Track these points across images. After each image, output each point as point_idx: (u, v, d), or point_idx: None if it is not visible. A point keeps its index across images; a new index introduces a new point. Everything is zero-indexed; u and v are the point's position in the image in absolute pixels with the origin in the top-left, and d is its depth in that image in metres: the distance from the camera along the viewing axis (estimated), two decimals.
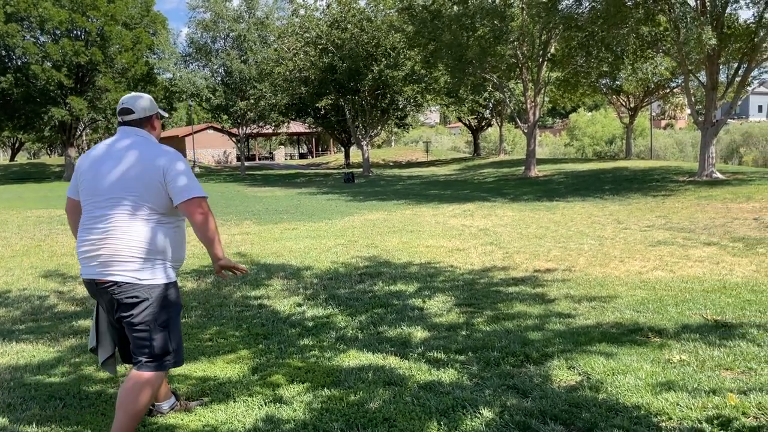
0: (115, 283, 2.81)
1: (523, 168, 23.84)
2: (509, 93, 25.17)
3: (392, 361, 4.02)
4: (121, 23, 31.72)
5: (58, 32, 30.52)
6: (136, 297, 2.82)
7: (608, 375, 3.64)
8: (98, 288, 2.87)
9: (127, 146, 2.94)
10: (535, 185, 19.18)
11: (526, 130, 23.61)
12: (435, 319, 5.03)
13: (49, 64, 30.48)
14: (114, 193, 2.84)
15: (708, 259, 7.12)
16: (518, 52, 22.11)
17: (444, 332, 4.65)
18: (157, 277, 2.86)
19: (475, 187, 20.20)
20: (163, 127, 49.64)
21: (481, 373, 3.76)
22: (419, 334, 4.62)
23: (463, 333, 4.61)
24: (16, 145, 59.00)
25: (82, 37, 31.14)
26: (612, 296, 5.58)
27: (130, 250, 2.82)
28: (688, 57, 17.11)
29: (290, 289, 6.22)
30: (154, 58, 35.19)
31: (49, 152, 67.90)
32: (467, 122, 41.83)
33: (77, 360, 4.22)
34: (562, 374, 3.71)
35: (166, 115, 3.27)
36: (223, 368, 3.96)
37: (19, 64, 31.14)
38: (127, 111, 2.99)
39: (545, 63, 22.39)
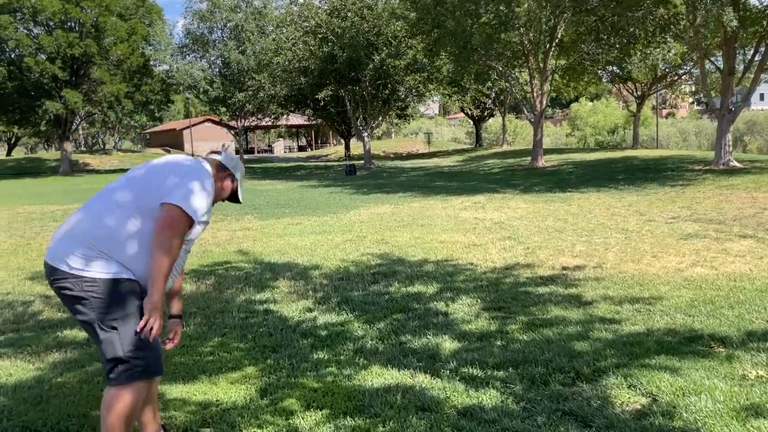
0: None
1: (530, 158, 23.26)
2: (515, 81, 24.55)
3: (422, 379, 3.48)
4: (116, 14, 31.01)
5: (51, 24, 29.83)
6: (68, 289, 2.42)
7: (678, 396, 3.10)
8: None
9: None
10: (544, 176, 18.62)
11: (532, 120, 23.01)
12: (463, 326, 4.48)
13: (43, 56, 29.78)
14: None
15: (749, 254, 6.58)
16: (524, 39, 21.48)
17: (476, 342, 4.11)
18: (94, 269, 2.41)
19: (482, 178, 19.63)
20: (160, 120, 49.22)
21: (528, 394, 3.23)
22: (448, 344, 4.08)
23: (498, 343, 4.07)
24: (13, 140, 58.26)
25: (77, 28, 30.44)
26: (656, 297, 5.03)
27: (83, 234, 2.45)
28: (706, 38, 16.48)
29: (298, 292, 5.68)
30: (150, 50, 34.51)
31: (46, 147, 67.16)
32: (469, 112, 41.19)
33: (60, 380, 3.68)
34: (624, 395, 3.17)
35: (239, 181, 2.88)
36: (227, 390, 3.41)
37: (12, 56, 30.45)
38: (218, 152, 2.86)
39: (552, 50, 21.75)
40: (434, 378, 3.49)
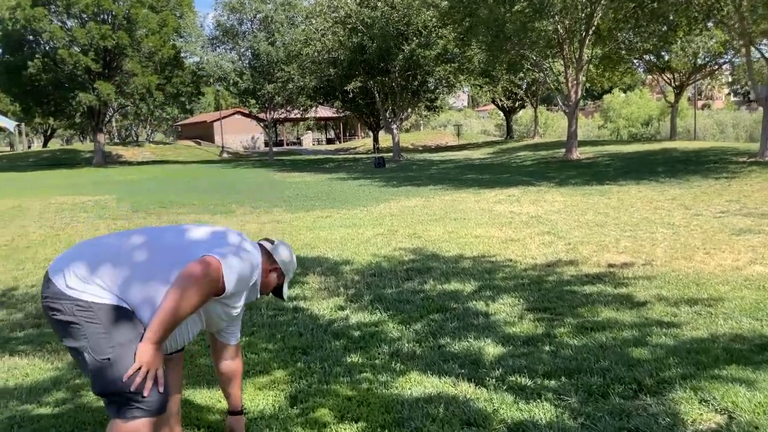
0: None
1: (564, 150, 22.67)
2: (549, 70, 23.91)
3: (465, 389, 3.17)
4: (148, 6, 31.11)
5: (84, 16, 30.07)
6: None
7: (759, 414, 2.75)
8: None
9: None
10: (579, 168, 18.06)
11: (566, 110, 22.40)
12: (506, 328, 4.16)
13: (76, 48, 30.05)
14: None
15: None
16: (559, 27, 20.86)
17: (522, 347, 3.79)
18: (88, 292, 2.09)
19: (515, 170, 19.15)
20: (191, 112, 49.52)
21: (585, 408, 2.90)
22: (491, 349, 3.76)
23: (547, 349, 3.74)
24: (49, 131, 59.37)
25: (109, 20, 30.64)
26: (715, 298, 4.64)
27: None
28: (751, 25, 15.72)
29: (329, 288, 5.41)
30: (181, 42, 34.60)
31: (81, 138, 68.27)
32: (500, 104, 40.51)
33: (77, 381, 3.46)
34: (695, 411, 2.82)
35: (288, 277, 2.61)
36: (254, 397, 3.15)
37: (46, 49, 30.80)
38: (271, 242, 2.58)
39: (588, 38, 21.09)
40: (479, 387, 3.18)
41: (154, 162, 35.37)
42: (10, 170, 29.84)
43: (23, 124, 43.76)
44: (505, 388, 3.16)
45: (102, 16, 30.58)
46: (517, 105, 41.22)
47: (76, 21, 30.55)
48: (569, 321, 4.26)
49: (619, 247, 6.79)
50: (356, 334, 4.13)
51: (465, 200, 11.81)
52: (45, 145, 59.09)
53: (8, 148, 55.01)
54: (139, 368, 2.02)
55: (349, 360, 3.65)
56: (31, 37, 30.56)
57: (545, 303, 4.72)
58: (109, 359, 2.03)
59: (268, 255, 2.47)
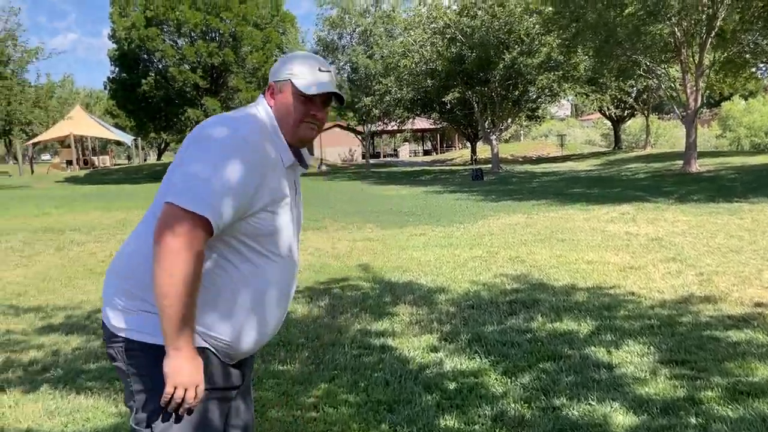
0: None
1: (681, 162, 20.86)
2: (664, 76, 22.18)
3: None
4: (252, 23, 32.17)
5: (193, 35, 31.50)
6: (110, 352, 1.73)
7: None
8: None
9: None
10: (700, 182, 16.43)
11: (684, 119, 20.62)
12: (637, 387, 3.40)
13: (186, 66, 31.53)
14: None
15: None
16: (676, 30, 19.24)
17: (660, 417, 3.03)
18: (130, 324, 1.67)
19: (627, 184, 17.75)
20: None
21: None
22: (621, 418, 3.03)
23: (693, 421, 2.96)
24: (162, 145, 63.08)
25: (216, 38, 31.95)
26: None
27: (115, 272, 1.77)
28: None
29: (421, 323, 4.83)
30: None
31: None
32: (607, 112, 38.42)
33: None
34: None
35: (299, 83, 1.79)
36: None
37: (159, 67, 32.54)
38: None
39: (710, 40, 19.30)
40: None
41: None
42: (125, 182, 31.64)
43: (139, 138, 46.64)
44: None
45: (210, 35, 31.94)
46: (626, 113, 38.94)
47: (186, 40, 32.06)
48: (717, 381, 3.43)
49: (762, 280, 5.75)
50: (452, 386, 3.52)
51: (573, 218, 10.86)
52: (159, 158, 62.84)
53: (126, 161, 58.84)
54: (173, 392, 1.56)
55: (443, 423, 3.05)
56: (145, 56, 32.40)
57: (682, 353, 3.89)
58: (151, 427, 1.62)
59: (271, 90, 1.80)
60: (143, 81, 31.02)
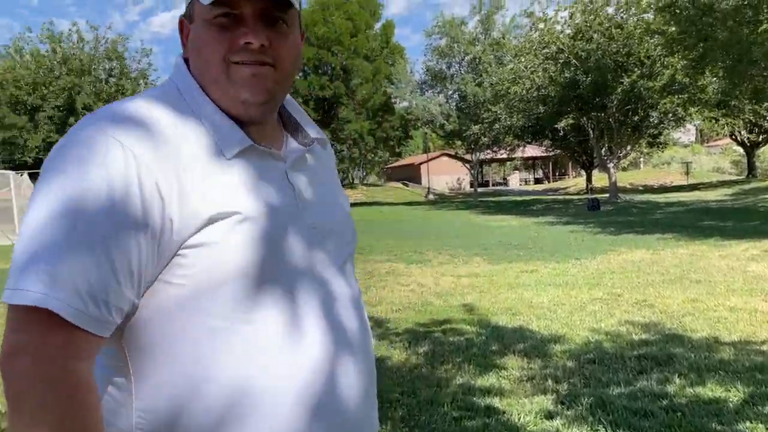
0: None
1: None
2: None
3: None
4: (363, 56, 32.88)
5: (306, 69, 32.64)
6: None
7: None
8: None
9: None
10: None
11: None
12: None
13: (299, 99, 32.70)
14: None
15: None
16: None
17: None
18: None
19: (766, 216, 15.92)
20: (400, 155, 51.12)
21: None
22: None
23: None
24: None
25: (328, 72, 32.92)
26: None
27: None
28: None
29: (534, 379, 4.23)
30: (392, 88, 35.94)
31: None
32: (739, 138, 35.40)
33: None
34: None
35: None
36: None
37: None
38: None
39: None
40: None
41: (363, 203, 36.77)
42: None
43: None
44: None
45: (322, 68, 32.97)
46: (761, 138, 35.69)
47: (299, 74, 33.30)
48: None
49: None
50: None
51: (706, 255, 9.70)
52: None
53: None
54: None
55: None
56: None
57: None
58: None
59: (185, 33, 1.02)
60: None
